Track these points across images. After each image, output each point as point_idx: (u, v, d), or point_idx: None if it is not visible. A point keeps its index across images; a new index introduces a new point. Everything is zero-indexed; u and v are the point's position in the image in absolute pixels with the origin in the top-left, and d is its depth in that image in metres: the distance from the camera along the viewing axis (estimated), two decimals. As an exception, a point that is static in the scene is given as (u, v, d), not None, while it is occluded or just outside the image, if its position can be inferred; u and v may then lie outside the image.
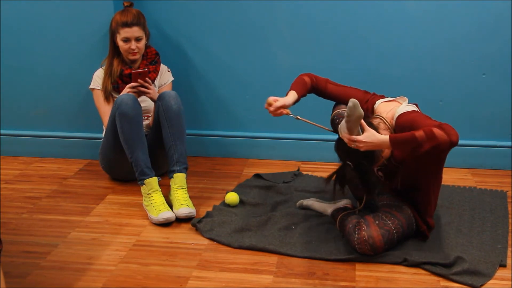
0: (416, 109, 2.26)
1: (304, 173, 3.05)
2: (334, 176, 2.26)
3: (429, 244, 2.27)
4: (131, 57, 2.78)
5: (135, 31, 2.73)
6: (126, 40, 2.74)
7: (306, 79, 2.42)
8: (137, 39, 2.75)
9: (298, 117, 2.31)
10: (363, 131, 2.09)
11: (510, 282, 2.04)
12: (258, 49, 3.09)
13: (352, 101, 2.02)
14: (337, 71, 3.03)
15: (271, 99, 2.31)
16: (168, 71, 2.97)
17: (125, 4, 2.82)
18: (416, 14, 2.91)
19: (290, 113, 2.33)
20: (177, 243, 2.35)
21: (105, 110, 2.84)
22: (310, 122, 2.32)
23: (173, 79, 2.98)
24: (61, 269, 2.16)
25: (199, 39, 3.11)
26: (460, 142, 3.00)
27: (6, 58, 3.16)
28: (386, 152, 2.20)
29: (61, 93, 3.19)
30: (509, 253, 2.22)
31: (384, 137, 2.07)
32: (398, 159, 2.15)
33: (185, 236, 2.41)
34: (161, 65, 2.94)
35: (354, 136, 2.08)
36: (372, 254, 2.17)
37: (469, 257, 2.14)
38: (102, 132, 2.92)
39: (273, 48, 3.08)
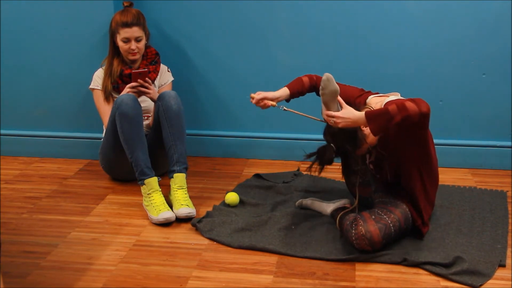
0: None
1: (304, 173, 3.05)
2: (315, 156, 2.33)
3: (429, 244, 2.27)
4: (131, 57, 2.78)
5: (135, 31, 2.73)
6: (126, 40, 2.74)
7: (304, 78, 2.50)
8: (137, 40, 2.75)
9: (285, 108, 2.40)
10: (341, 108, 2.15)
11: (509, 282, 2.05)
12: (258, 49, 3.09)
13: (326, 75, 2.12)
14: (337, 71, 3.00)
15: (253, 93, 2.42)
16: (168, 71, 2.97)
17: (125, 4, 2.82)
18: (416, 14, 2.91)
19: (276, 104, 2.42)
20: (177, 243, 2.35)
21: (105, 110, 2.84)
22: (298, 112, 2.37)
23: (173, 79, 2.98)
24: (61, 269, 2.16)
25: (199, 39, 3.12)
26: (460, 142, 3.06)
27: (6, 58, 3.16)
28: (371, 139, 2.22)
29: (61, 93, 3.19)
30: (508, 253, 2.22)
31: (361, 113, 2.13)
32: (374, 133, 2.15)
33: (185, 236, 2.41)
34: (161, 65, 2.94)
35: (331, 112, 2.15)
36: (370, 250, 2.17)
37: (468, 257, 2.14)
38: (102, 132, 2.92)
39: (273, 48, 3.08)
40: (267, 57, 3.09)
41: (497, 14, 2.85)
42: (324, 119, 2.24)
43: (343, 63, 3.03)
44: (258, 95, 2.41)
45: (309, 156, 2.34)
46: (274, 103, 2.42)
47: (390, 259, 2.17)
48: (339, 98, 2.16)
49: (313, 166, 2.32)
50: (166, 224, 2.50)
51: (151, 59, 2.86)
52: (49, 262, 2.21)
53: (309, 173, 2.34)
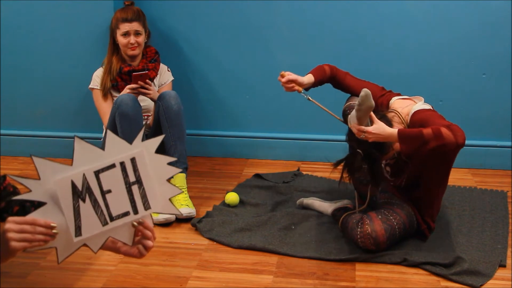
0: (431, 109, 2.27)
1: (304, 173, 3.05)
2: (343, 163, 2.25)
3: (429, 244, 2.27)
4: (130, 52, 2.78)
5: (134, 26, 2.75)
6: (125, 34, 2.75)
7: (326, 67, 2.47)
8: (136, 33, 2.76)
9: (310, 98, 2.35)
10: (372, 123, 2.11)
11: (510, 282, 2.05)
12: (258, 49, 3.09)
13: (365, 90, 2.04)
14: (337, 71, 3.03)
15: (285, 72, 2.36)
16: (168, 70, 2.97)
17: (126, 3, 2.85)
18: (416, 14, 2.92)
19: (302, 91, 2.38)
20: (177, 243, 2.35)
21: (105, 109, 2.84)
22: (321, 106, 2.32)
23: (173, 78, 2.98)
24: (61, 269, 2.16)
25: (199, 39, 3.12)
26: (460, 142, 3.05)
27: (6, 58, 3.17)
28: (397, 145, 2.20)
29: (61, 93, 3.20)
30: (509, 253, 2.22)
31: (393, 130, 2.08)
32: (405, 154, 2.16)
33: (185, 236, 2.41)
34: (161, 64, 2.94)
35: (363, 127, 2.10)
36: (374, 249, 2.17)
37: (468, 257, 2.14)
38: (102, 132, 2.92)
39: (273, 48, 3.08)
40: (267, 57, 3.09)
41: (497, 14, 2.85)
42: (353, 131, 2.17)
43: (343, 63, 3.01)
44: (289, 75, 2.36)
45: (337, 164, 2.27)
46: (300, 89, 2.37)
47: (390, 259, 2.17)
48: (372, 113, 2.11)
49: (343, 175, 2.25)
50: (166, 224, 2.49)
51: (151, 58, 2.86)
52: (49, 262, 2.21)
53: (340, 182, 2.27)
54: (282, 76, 2.37)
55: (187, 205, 2.54)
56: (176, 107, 2.66)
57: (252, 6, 3.02)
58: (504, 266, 2.14)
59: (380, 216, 2.20)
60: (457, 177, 2.97)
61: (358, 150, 2.19)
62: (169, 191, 1.53)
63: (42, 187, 1.41)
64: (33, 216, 1.41)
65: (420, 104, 2.25)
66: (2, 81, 3.21)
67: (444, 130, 2.01)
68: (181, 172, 2.63)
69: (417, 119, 2.17)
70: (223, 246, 2.32)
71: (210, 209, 2.61)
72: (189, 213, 2.51)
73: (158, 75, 2.91)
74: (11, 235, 1.38)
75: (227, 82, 3.17)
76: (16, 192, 1.73)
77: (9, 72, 3.19)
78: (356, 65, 3.01)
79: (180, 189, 2.54)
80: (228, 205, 2.65)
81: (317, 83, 2.44)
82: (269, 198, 2.72)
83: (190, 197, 2.63)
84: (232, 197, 2.64)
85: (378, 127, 2.09)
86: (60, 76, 3.16)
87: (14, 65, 3.18)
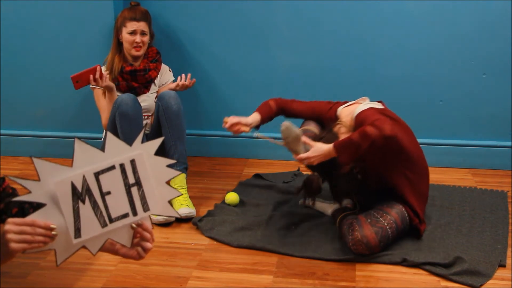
0: (375, 106, 2.29)
1: (304, 173, 3.05)
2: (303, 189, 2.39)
3: (429, 244, 2.27)
4: (135, 53, 2.78)
5: (142, 25, 2.77)
6: (132, 32, 2.75)
7: (271, 102, 2.50)
8: (142, 33, 2.78)
9: (258, 135, 2.41)
10: (309, 146, 2.17)
11: (510, 282, 2.05)
12: (258, 49, 3.09)
13: (284, 124, 2.14)
14: (337, 71, 3.03)
15: (227, 117, 2.40)
16: (170, 71, 2.97)
17: (132, 4, 2.86)
18: (416, 14, 2.92)
19: (249, 131, 2.41)
20: (177, 243, 2.35)
21: (105, 108, 2.84)
22: (271, 140, 2.39)
23: (173, 79, 2.98)
24: (61, 269, 2.16)
25: (200, 39, 3.12)
26: (460, 142, 3.06)
27: (7, 58, 3.17)
28: None
29: (61, 93, 3.20)
30: (509, 253, 2.22)
31: (329, 146, 2.14)
32: (347, 163, 2.20)
33: (185, 236, 2.41)
34: (162, 64, 2.94)
35: (302, 155, 2.17)
36: (368, 254, 2.17)
37: (468, 257, 2.14)
38: (102, 132, 2.92)
39: (273, 48, 3.08)
40: (267, 57, 3.09)
41: (497, 14, 2.85)
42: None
43: (343, 63, 3.03)
44: (232, 119, 2.39)
45: (298, 190, 2.38)
46: (247, 129, 2.41)
47: (390, 259, 2.17)
48: (303, 138, 2.18)
49: (306, 199, 2.37)
50: (166, 224, 2.50)
51: (152, 58, 2.87)
52: (49, 262, 2.21)
53: (304, 204, 2.40)
54: (225, 123, 2.39)
55: (187, 205, 2.54)
56: (176, 107, 2.66)
57: (252, 6, 3.02)
58: (504, 266, 2.14)
59: (369, 220, 2.20)
60: (457, 177, 2.97)
61: (314, 173, 2.28)
62: (168, 193, 1.53)
63: (42, 189, 1.41)
64: (33, 217, 1.41)
65: (361, 106, 2.30)
66: (2, 81, 3.22)
67: (368, 129, 2.06)
68: (181, 172, 2.63)
69: (358, 121, 2.22)
70: (223, 246, 2.32)
71: (210, 209, 2.61)
72: (189, 213, 2.51)
73: (159, 75, 2.91)
74: (10, 236, 1.38)
75: (227, 82, 3.17)
76: (15, 194, 1.73)
77: (9, 72, 3.20)
78: (356, 65, 3.02)
79: (180, 189, 2.59)
80: (228, 205, 2.65)
81: (266, 119, 2.47)
82: (269, 198, 2.72)
83: (190, 197, 2.64)
84: (232, 197, 2.64)
85: (315, 149, 2.16)
86: (60, 76, 3.16)
87: (14, 65, 3.18)
